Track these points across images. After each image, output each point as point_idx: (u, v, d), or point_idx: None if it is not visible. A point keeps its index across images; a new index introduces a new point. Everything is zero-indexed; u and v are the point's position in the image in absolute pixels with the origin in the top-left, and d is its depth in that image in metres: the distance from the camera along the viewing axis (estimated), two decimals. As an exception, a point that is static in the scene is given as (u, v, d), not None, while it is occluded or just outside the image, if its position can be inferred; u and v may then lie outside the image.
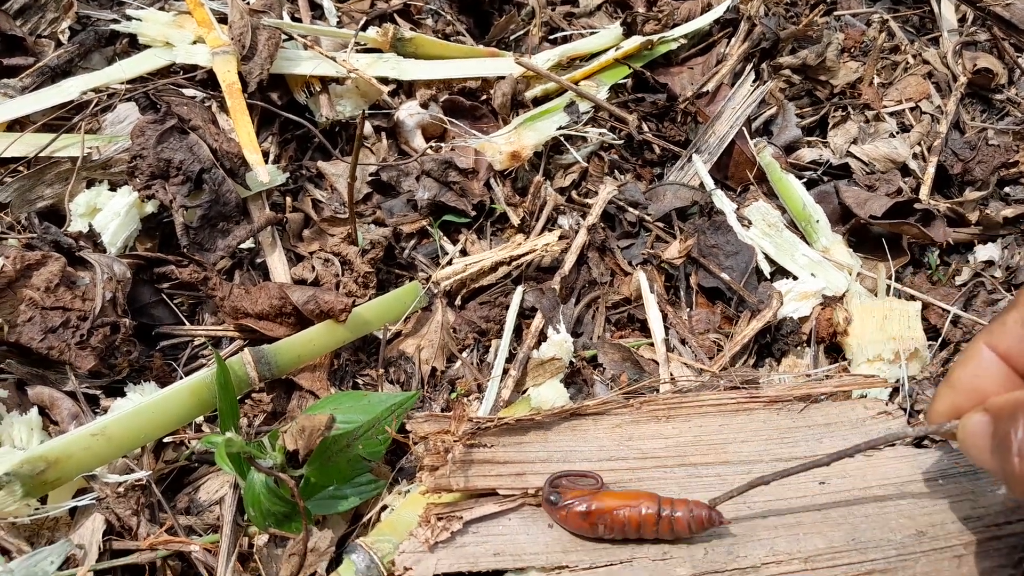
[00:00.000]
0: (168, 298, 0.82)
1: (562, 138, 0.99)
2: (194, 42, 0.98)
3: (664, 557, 0.61)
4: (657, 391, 0.77)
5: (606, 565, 0.60)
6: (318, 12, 1.11)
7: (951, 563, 0.60)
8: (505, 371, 0.79)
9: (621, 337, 0.86)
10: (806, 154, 1.06)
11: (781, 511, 0.62)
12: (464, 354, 0.83)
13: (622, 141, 1.02)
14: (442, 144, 0.99)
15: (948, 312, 0.89)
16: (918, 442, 0.65)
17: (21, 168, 0.87)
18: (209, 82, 0.97)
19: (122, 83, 0.95)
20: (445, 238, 0.93)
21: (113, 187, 0.86)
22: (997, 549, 0.60)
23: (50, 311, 0.71)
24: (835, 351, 0.86)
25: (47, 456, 0.61)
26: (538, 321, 0.82)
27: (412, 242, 0.92)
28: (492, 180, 0.96)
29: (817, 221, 0.95)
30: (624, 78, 1.06)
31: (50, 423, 0.71)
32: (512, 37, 1.15)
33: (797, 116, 1.09)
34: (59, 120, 0.93)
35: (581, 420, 0.66)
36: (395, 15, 1.11)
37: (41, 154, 0.86)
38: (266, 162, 0.91)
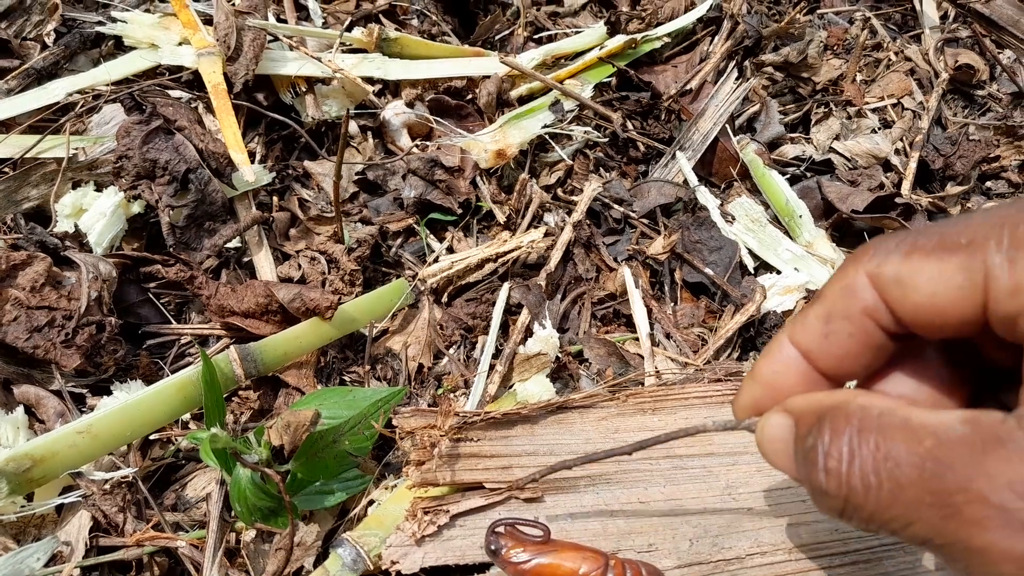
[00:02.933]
0: (155, 297, 0.82)
1: (547, 136, 1.00)
2: (179, 43, 0.99)
3: (649, 549, 0.62)
4: (642, 385, 0.77)
5: (592, 556, 0.60)
6: (303, 13, 1.11)
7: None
8: (491, 367, 0.79)
9: (607, 332, 0.86)
10: (789, 150, 1.07)
11: (767, 502, 0.63)
12: (451, 350, 0.83)
13: (607, 139, 1.02)
14: (428, 143, 0.99)
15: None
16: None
17: (7, 169, 0.87)
18: (195, 83, 0.97)
19: (107, 85, 0.95)
20: (431, 236, 0.93)
21: (99, 188, 0.86)
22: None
23: (35, 310, 0.71)
24: (819, 344, 0.86)
25: (33, 454, 0.62)
26: (524, 317, 0.83)
27: (399, 240, 0.93)
28: (478, 178, 0.96)
29: (800, 216, 0.96)
30: (608, 77, 1.07)
31: (36, 422, 0.71)
32: (497, 37, 1.16)
33: (780, 113, 1.10)
34: (45, 122, 0.93)
35: (567, 413, 0.67)
36: (380, 15, 1.12)
37: (27, 155, 0.86)
38: (252, 162, 0.92)
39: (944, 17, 1.30)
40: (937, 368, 0.39)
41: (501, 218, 0.94)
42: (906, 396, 0.38)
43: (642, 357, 0.82)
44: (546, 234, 0.90)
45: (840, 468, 0.33)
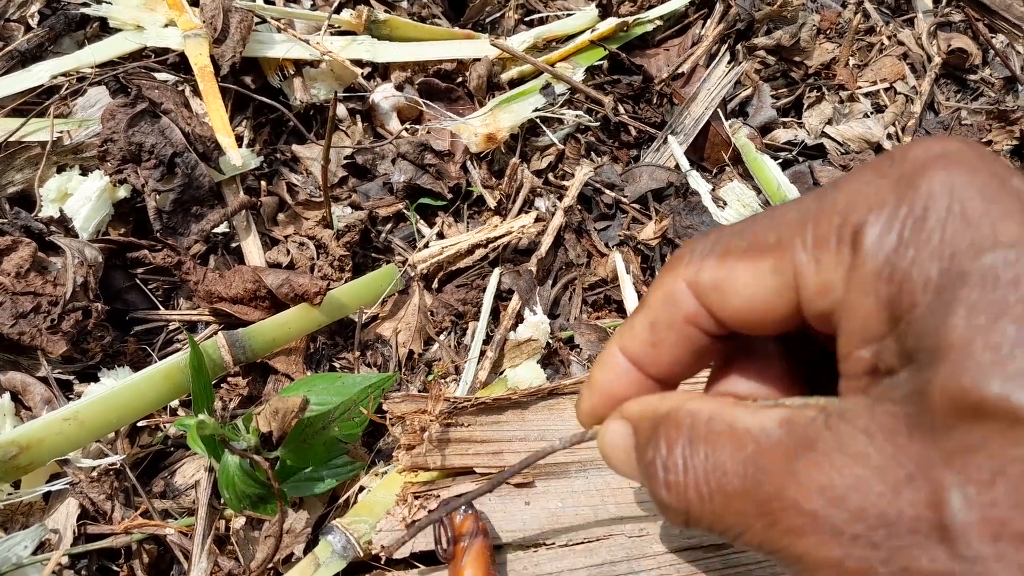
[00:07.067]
0: (142, 283, 0.82)
1: (538, 120, 0.99)
2: (165, 25, 0.97)
3: (641, 534, 0.62)
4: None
5: (583, 542, 0.60)
6: (292, -5, 1.10)
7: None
8: (482, 353, 0.79)
9: (598, 318, 0.86)
10: (781, 135, 1.07)
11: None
12: (441, 336, 0.83)
13: (598, 123, 1.02)
14: (418, 127, 0.98)
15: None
16: None
17: (-10, 153, 0.86)
18: (181, 65, 0.95)
19: (92, 67, 0.94)
20: (421, 221, 0.93)
21: (84, 172, 0.85)
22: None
23: (21, 296, 0.70)
24: (810, 329, 0.86)
25: (19, 441, 0.61)
26: (515, 303, 0.83)
27: (388, 225, 0.92)
28: (468, 162, 0.95)
29: (792, 201, 0.95)
30: (600, 60, 1.06)
31: (22, 408, 0.71)
32: (488, 19, 1.15)
33: (772, 97, 1.09)
34: (29, 105, 0.91)
35: (558, 399, 0.66)
36: (369, -3, 1.10)
37: (10, 139, 0.85)
38: (240, 146, 0.91)
39: (937, 1, 1.29)
40: (779, 358, 0.38)
41: (492, 203, 0.93)
42: (751, 392, 0.38)
43: (633, 342, 0.82)
44: (537, 219, 0.89)
45: (678, 480, 0.33)
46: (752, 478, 0.30)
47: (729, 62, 1.08)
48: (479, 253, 0.87)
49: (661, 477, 0.33)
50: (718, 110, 1.03)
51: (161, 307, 0.81)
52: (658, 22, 1.12)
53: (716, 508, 0.31)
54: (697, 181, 0.97)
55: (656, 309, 0.37)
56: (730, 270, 0.34)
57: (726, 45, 1.11)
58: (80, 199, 0.81)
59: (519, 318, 0.82)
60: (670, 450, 0.33)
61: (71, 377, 0.74)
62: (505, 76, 1.03)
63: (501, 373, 0.78)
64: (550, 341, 0.80)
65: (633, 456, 0.37)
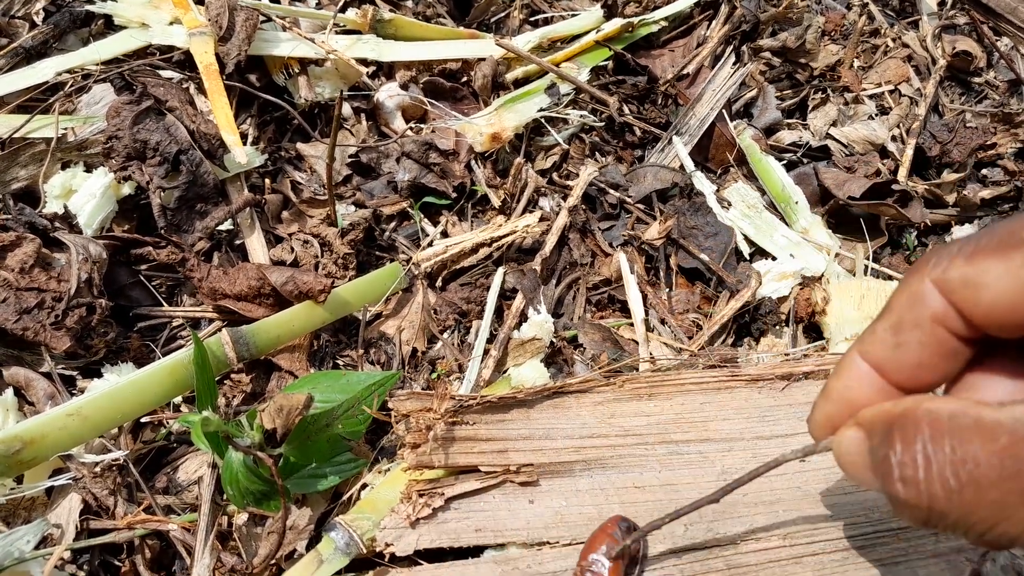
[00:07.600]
0: (146, 280, 0.82)
1: (543, 120, 0.99)
2: (171, 23, 0.97)
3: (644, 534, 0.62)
4: (637, 370, 0.77)
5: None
6: (297, -7, 1.10)
7: (928, 539, 0.60)
8: (486, 351, 0.79)
9: (601, 317, 0.86)
10: (786, 136, 1.07)
11: (761, 488, 0.63)
12: (445, 335, 0.83)
13: (603, 123, 1.02)
14: (422, 126, 0.98)
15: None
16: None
17: (-5, 149, 0.86)
18: (186, 63, 0.96)
19: (97, 64, 0.94)
20: (426, 220, 0.93)
21: (89, 168, 0.85)
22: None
23: (25, 292, 0.70)
24: (814, 330, 0.86)
25: (22, 436, 0.61)
26: (519, 302, 0.82)
27: (392, 224, 0.92)
28: (473, 162, 0.95)
29: (796, 202, 0.95)
30: (605, 60, 1.06)
31: (26, 404, 0.71)
32: (493, 19, 1.15)
33: (777, 98, 1.09)
34: (33, 101, 0.92)
35: (563, 398, 0.66)
36: (375, -4, 1.10)
37: (15, 135, 0.85)
38: (244, 144, 0.90)
39: (942, 3, 1.29)
40: (1018, 365, 0.38)
41: (496, 202, 0.93)
42: (991, 399, 0.37)
43: (637, 343, 0.82)
44: (541, 219, 0.89)
45: (917, 476, 0.33)
46: (1011, 468, 0.30)
47: (734, 63, 1.08)
48: (483, 252, 0.87)
49: (896, 473, 0.33)
50: (723, 111, 1.03)
51: (165, 304, 0.81)
52: (663, 23, 1.12)
53: (967, 500, 0.32)
54: (701, 182, 0.96)
55: (901, 310, 0.37)
56: (980, 266, 0.34)
57: (731, 46, 1.11)
58: (84, 196, 0.81)
59: (523, 317, 0.82)
60: (906, 447, 0.33)
61: (74, 373, 0.74)
62: (510, 76, 1.03)
63: (505, 372, 0.78)
64: (554, 340, 0.80)
65: (868, 462, 0.37)
